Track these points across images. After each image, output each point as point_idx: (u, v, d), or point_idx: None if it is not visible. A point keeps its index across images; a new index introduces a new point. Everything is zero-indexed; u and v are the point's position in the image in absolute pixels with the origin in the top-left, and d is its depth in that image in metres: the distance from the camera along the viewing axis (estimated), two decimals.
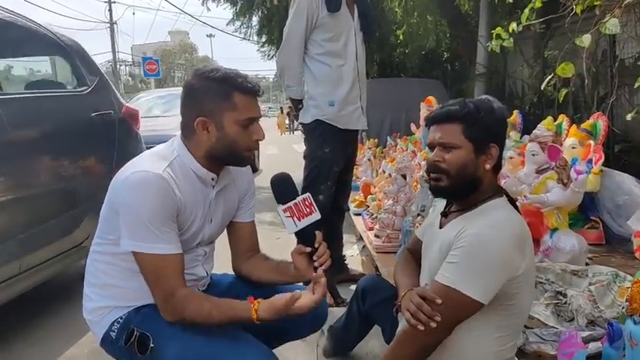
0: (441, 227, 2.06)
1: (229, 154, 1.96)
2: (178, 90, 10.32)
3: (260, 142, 2.01)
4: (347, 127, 3.82)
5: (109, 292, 2.01)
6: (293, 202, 1.99)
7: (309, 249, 2.01)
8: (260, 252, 2.29)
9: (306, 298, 1.87)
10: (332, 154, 3.77)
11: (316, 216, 2.01)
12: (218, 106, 1.90)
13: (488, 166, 1.95)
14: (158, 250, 1.83)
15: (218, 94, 1.90)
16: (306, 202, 2.01)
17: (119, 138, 4.34)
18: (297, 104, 3.88)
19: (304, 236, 2.03)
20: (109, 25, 36.31)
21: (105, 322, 2.00)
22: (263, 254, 2.28)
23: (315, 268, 1.97)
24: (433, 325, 1.79)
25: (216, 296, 1.92)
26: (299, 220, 1.99)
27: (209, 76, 1.92)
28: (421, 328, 1.81)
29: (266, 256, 2.26)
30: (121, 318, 1.98)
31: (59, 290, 4.29)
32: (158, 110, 9.62)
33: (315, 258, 2.00)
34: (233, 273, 2.29)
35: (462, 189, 1.98)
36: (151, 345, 1.88)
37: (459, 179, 1.95)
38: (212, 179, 2.01)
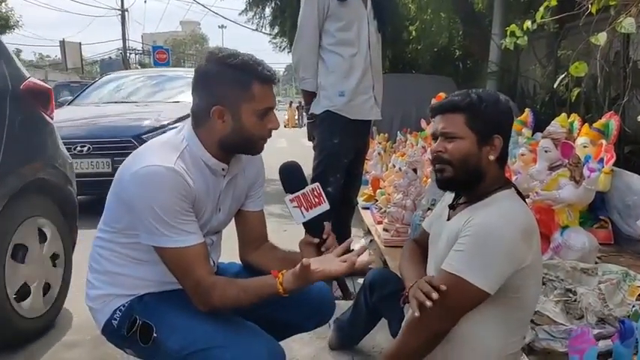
0: (448, 219, 2.06)
1: (244, 144, 1.92)
2: (174, 71, 9.81)
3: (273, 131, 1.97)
4: (357, 117, 3.78)
5: (111, 280, 1.98)
6: (301, 191, 1.96)
7: (317, 240, 1.98)
8: (268, 241, 2.26)
9: (326, 264, 1.79)
10: (341, 146, 3.74)
11: (325, 206, 1.98)
12: (236, 96, 1.84)
13: (492, 157, 1.94)
14: (179, 244, 1.80)
15: (237, 83, 1.84)
16: (315, 192, 1.97)
17: (10, 126, 3.05)
18: (310, 98, 3.84)
19: (312, 227, 1.99)
20: (120, 12, 36.42)
21: (107, 309, 1.97)
22: (271, 244, 2.25)
23: None
24: (428, 303, 1.77)
25: None
26: (307, 210, 1.96)
27: (228, 62, 1.84)
28: (428, 303, 1.77)
29: (274, 246, 2.23)
30: (124, 306, 1.95)
31: None
32: (144, 94, 7.97)
33: (323, 249, 1.98)
34: (240, 262, 2.27)
35: (467, 180, 1.97)
36: (154, 335, 1.86)
37: (462, 170, 1.94)
38: (222, 169, 1.98)
